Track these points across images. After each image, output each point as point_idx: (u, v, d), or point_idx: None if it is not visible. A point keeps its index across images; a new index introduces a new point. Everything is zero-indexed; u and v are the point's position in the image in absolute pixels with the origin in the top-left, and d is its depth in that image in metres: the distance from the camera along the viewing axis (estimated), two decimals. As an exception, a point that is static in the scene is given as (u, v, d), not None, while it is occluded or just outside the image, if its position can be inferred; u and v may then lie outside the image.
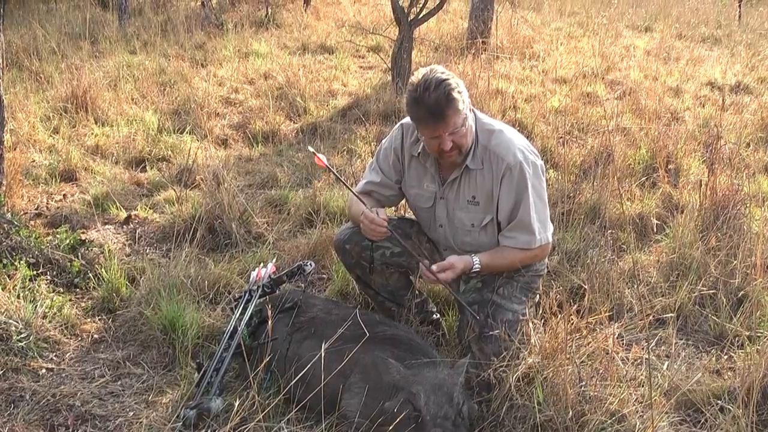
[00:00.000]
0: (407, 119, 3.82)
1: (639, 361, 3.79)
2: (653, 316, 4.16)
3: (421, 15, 9.01)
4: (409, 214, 4.18)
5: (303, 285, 4.24)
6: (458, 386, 3.16)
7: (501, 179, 3.57)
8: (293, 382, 3.16)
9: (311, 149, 3.78)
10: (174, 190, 5.77)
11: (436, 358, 3.38)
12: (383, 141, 3.97)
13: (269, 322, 3.39)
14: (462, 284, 3.93)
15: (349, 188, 3.83)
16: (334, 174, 3.73)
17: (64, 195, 5.91)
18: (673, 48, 12.18)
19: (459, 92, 3.41)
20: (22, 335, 3.82)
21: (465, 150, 3.57)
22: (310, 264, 4.02)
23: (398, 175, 3.90)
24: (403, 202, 4.17)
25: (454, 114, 3.40)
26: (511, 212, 3.59)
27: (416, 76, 3.46)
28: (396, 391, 3.11)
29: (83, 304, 4.34)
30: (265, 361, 3.35)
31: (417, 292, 4.20)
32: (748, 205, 5.06)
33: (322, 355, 3.10)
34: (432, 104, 3.36)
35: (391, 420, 2.98)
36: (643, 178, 6.17)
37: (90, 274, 4.49)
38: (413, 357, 3.30)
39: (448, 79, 3.40)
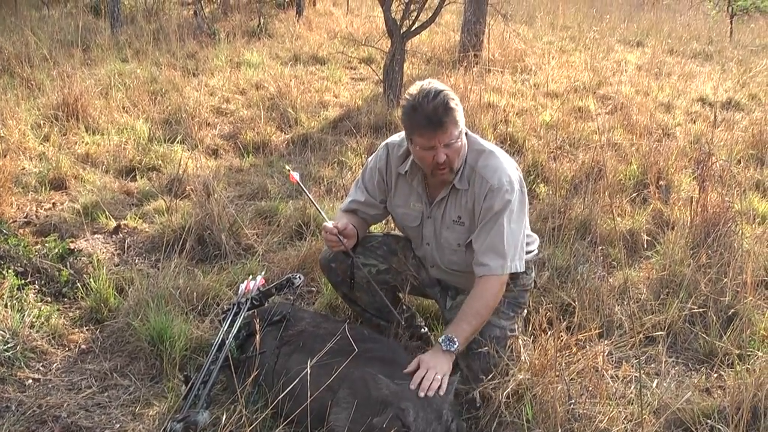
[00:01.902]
0: (392, 139, 3.84)
1: (629, 378, 3.78)
2: (643, 334, 4.16)
3: (413, 27, 9.01)
4: (396, 230, 4.16)
5: (292, 298, 4.24)
6: (447, 403, 3.14)
7: (483, 200, 3.54)
8: (281, 396, 3.14)
9: (287, 167, 3.98)
10: (164, 200, 5.76)
11: None
12: (369, 159, 3.97)
13: (258, 335, 3.38)
14: (449, 300, 3.93)
15: (317, 207, 3.93)
16: (305, 192, 3.90)
17: (54, 203, 5.88)
18: (665, 63, 12.23)
19: (456, 104, 3.40)
20: (9, 345, 3.79)
21: (456, 168, 3.54)
22: (299, 277, 4.01)
23: (383, 195, 3.89)
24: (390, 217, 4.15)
25: (451, 124, 3.38)
26: (484, 233, 3.54)
27: (414, 87, 3.46)
28: (384, 407, 3.08)
29: (71, 314, 4.31)
30: (252, 375, 3.33)
31: (405, 307, 4.20)
32: (738, 222, 5.05)
33: (309, 369, 3.08)
34: (430, 112, 3.34)
35: None
36: (634, 194, 6.18)
37: (78, 284, 4.47)
38: (402, 374, 3.28)
39: (446, 90, 3.39)
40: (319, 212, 3.88)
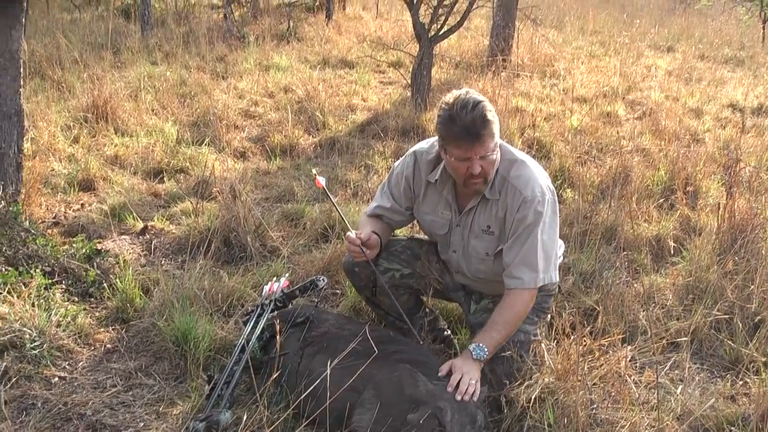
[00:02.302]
0: (420, 146, 3.82)
1: (652, 384, 3.76)
2: (667, 340, 4.13)
3: (441, 32, 9.02)
4: (420, 234, 4.16)
5: (316, 300, 4.25)
6: (480, 409, 3.16)
7: (516, 212, 3.51)
8: (303, 396, 3.15)
9: (314, 171, 3.97)
10: (190, 201, 5.79)
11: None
12: (395, 164, 3.95)
13: (279, 336, 3.39)
14: (473, 304, 3.92)
15: (341, 215, 3.94)
16: (330, 198, 3.90)
17: (82, 204, 5.93)
18: (695, 69, 12.16)
19: (493, 116, 3.37)
20: (36, 343, 3.82)
21: (490, 179, 3.52)
22: (323, 279, 4.02)
23: (409, 202, 3.87)
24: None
25: (488, 136, 3.35)
26: (517, 246, 3.52)
27: (451, 96, 3.42)
28: (419, 405, 3.09)
29: (97, 314, 4.35)
30: (274, 376, 3.34)
31: (428, 310, 4.20)
32: (766, 229, 5.02)
33: (330, 370, 3.10)
34: (468, 123, 3.31)
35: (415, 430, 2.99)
36: (661, 200, 6.14)
37: (105, 284, 4.50)
38: (435, 376, 3.29)
39: (484, 102, 3.36)
40: (343, 220, 3.89)
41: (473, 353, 3.34)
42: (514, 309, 3.50)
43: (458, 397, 3.12)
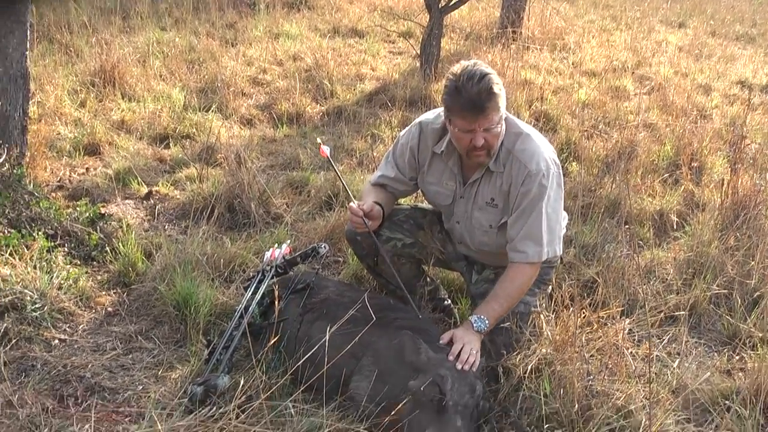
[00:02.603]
0: (426, 116, 3.81)
1: (649, 357, 3.76)
2: (665, 314, 4.13)
3: (452, 2, 8.98)
4: (423, 203, 4.16)
5: (317, 267, 4.26)
6: (480, 380, 3.19)
7: (520, 185, 3.51)
8: (301, 362, 3.17)
9: (319, 140, 3.99)
10: (195, 167, 5.80)
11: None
12: (401, 134, 3.93)
13: (277, 302, 3.41)
14: (475, 274, 3.93)
15: (345, 185, 3.93)
16: (333, 167, 3.87)
17: (87, 168, 5.95)
18: (706, 45, 12.08)
19: (500, 89, 3.36)
20: (37, 305, 3.85)
21: (494, 152, 3.51)
22: (325, 246, 4.03)
23: (413, 172, 3.86)
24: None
25: (493, 109, 3.34)
26: (522, 219, 3.52)
27: (458, 66, 3.40)
28: (419, 373, 3.11)
29: (99, 277, 4.37)
30: (272, 341, 3.36)
31: (429, 279, 4.21)
32: (769, 205, 5.02)
33: (330, 336, 3.11)
34: (474, 95, 3.30)
35: (413, 399, 3.02)
36: (666, 175, 6.13)
37: (107, 248, 4.53)
38: (435, 344, 3.30)
39: (491, 74, 3.34)
40: (346, 189, 3.88)
41: (474, 325, 3.36)
42: (517, 282, 3.52)
43: (459, 367, 3.13)
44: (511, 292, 3.50)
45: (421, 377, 3.08)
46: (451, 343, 3.29)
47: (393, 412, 3.00)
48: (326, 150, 3.81)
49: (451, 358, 3.17)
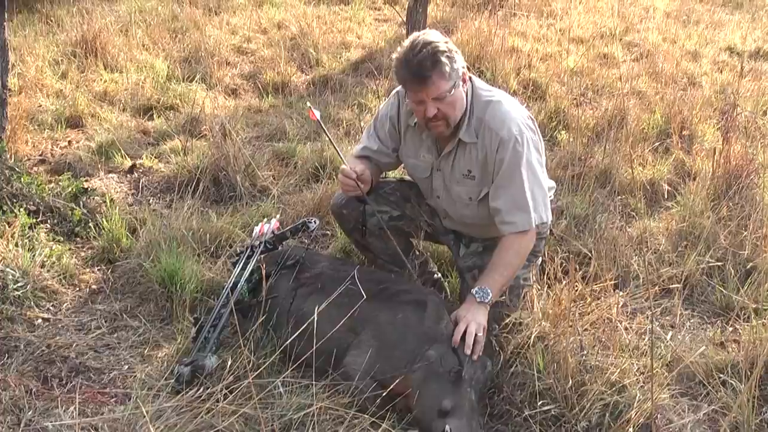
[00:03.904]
0: None
1: (643, 330, 3.72)
2: (659, 286, 4.10)
3: (438, -31, 8.87)
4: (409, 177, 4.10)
5: (307, 242, 4.20)
6: (489, 358, 3.19)
7: (495, 153, 3.44)
8: (292, 338, 3.10)
9: (308, 104, 3.97)
10: (180, 140, 5.72)
11: None
12: (381, 106, 3.88)
13: (265, 280, 3.37)
14: (463, 248, 3.89)
15: (336, 148, 3.85)
16: (324, 131, 3.82)
17: (69, 142, 5.86)
18: (694, 11, 11.98)
19: (448, 57, 3.28)
20: (19, 284, 3.78)
21: (453, 122, 3.44)
22: (315, 221, 3.96)
23: (395, 143, 3.81)
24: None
25: (438, 78, 3.27)
26: (502, 188, 3.46)
27: (408, 38, 3.36)
28: (432, 343, 3.10)
29: (82, 254, 4.31)
30: (260, 319, 3.31)
31: (418, 252, 4.15)
32: (761, 175, 4.97)
33: (328, 312, 3.08)
34: (415, 66, 3.25)
35: (427, 369, 3.02)
36: (657, 144, 6.08)
37: (91, 224, 4.46)
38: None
39: (436, 42, 3.27)
40: (338, 153, 3.82)
41: (476, 296, 3.30)
42: (512, 249, 3.46)
43: (467, 351, 3.09)
44: (510, 261, 3.44)
45: (437, 347, 3.08)
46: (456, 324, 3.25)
47: (398, 382, 3.00)
48: (316, 113, 3.73)
49: (456, 337, 3.13)
